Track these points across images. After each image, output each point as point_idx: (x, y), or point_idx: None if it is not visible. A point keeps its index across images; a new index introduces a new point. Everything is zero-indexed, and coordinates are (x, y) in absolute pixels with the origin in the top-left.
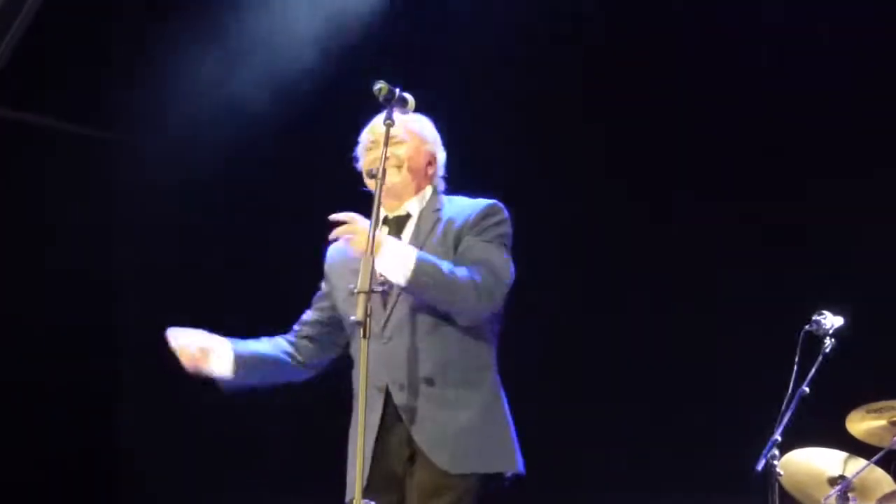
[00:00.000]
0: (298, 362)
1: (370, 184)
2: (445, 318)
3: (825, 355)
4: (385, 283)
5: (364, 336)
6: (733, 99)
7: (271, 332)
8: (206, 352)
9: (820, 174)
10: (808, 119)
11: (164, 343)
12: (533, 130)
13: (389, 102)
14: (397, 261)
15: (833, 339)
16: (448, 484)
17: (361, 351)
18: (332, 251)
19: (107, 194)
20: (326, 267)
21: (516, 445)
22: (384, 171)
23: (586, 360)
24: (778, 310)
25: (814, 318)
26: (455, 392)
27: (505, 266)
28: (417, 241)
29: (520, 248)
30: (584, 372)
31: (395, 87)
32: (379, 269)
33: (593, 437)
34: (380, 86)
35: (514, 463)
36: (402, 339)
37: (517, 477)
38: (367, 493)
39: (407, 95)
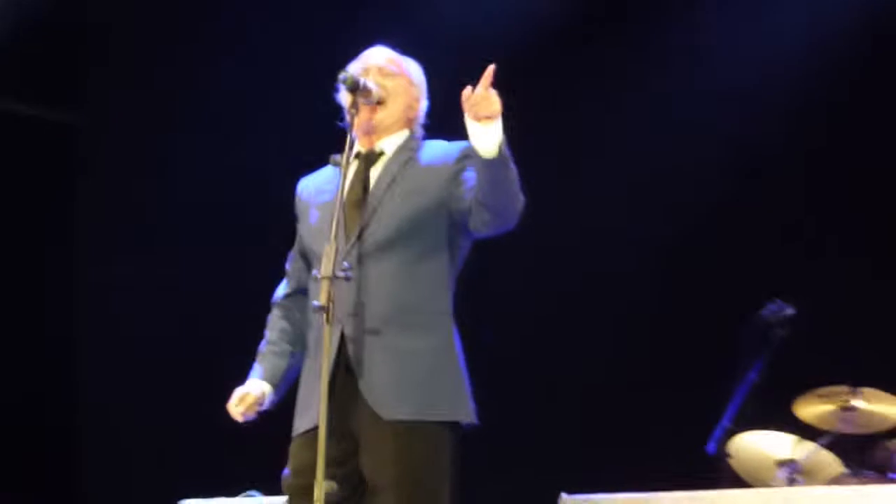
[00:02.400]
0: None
1: (345, 99)
2: (419, 253)
3: (775, 343)
4: (348, 268)
5: (327, 322)
6: None
7: None
8: (252, 403)
9: None
10: None
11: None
12: None
13: (354, 92)
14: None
15: (783, 328)
16: (396, 431)
17: (325, 338)
18: (306, 182)
19: None
20: (299, 203)
21: (470, 395)
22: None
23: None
24: (730, 299)
25: (766, 307)
26: (410, 336)
27: None
28: (392, 178)
29: None
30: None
31: (358, 78)
32: (483, 132)
33: (558, 416)
34: (345, 75)
35: (468, 413)
36: (374, 271)
37: (472, 428)
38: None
39: (371, 85)
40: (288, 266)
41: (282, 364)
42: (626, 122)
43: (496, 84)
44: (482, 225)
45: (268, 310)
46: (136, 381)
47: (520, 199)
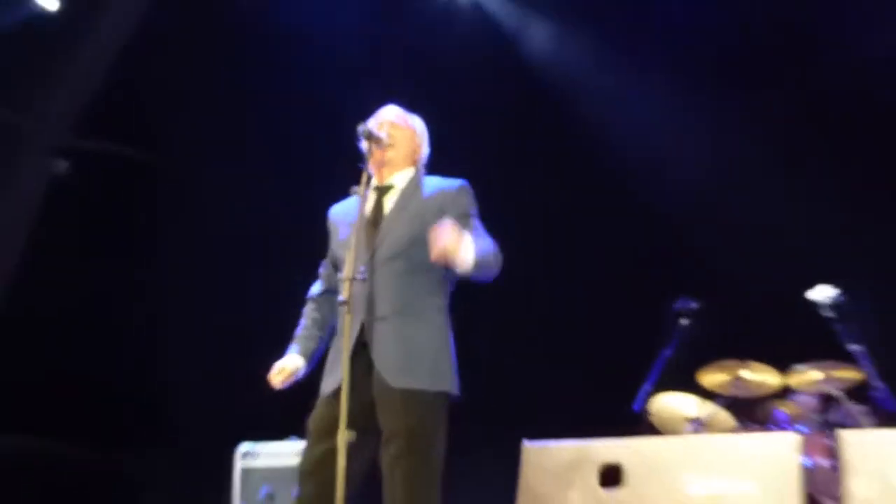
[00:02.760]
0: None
1: (364, 145)
2: (420, 265)
3: (685, 327)
4: (364, 272)
5: (348, 312)
6: None
7: None
8: (288, 374)
9: None
10: None
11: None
12: None
13: (370, 140)
14: (468, 254)
15: (691, 318)
16: (403, 395)
17: (345, 324)
18: (336, 211)
19: None
20: (329, 227)
21: (456, 373)
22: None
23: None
24: (653, 295)
25: (677, 301)
26: (409, 324)
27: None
28: (401, 206)
29: None
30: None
31: (372, 130)
32: (461, 255)
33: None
34: (363, 128)
35: (454, 387)
36: (384, 275)
37: (456, 399)
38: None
39: (382, 134)
40: (320, 270)
41: (312, 345)
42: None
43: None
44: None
45: (301, 305)
46: (208, 357)
47: (496, 266)
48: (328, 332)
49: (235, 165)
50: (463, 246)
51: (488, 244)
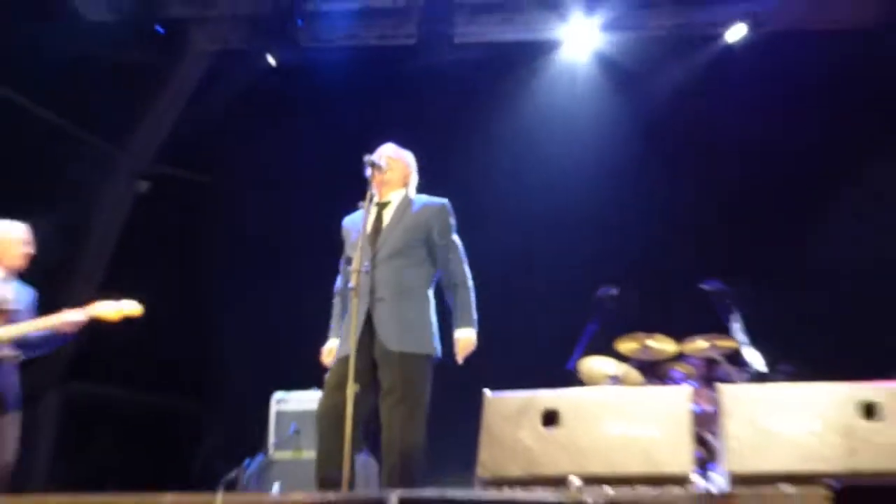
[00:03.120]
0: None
1: (368, 172)
2: (412, 261)
3: (607, 308)
4: (367, 267)
5: (355, 296)
6: None
7: None
8: (333, 354)
9: None
10: None
11: None
12: None
13: (372, 167)
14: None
15: (609, 301)
16: (398, 356)
17: (354, 306)
18: (347, 221)
19: None
20: (343, 233)
21: (438, 340)
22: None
23: None
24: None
25: (601, 289)
26: (402, 303)
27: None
28: (398, 220)
29: None
30: None
31: (374, 159)
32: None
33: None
34: (367, 158)
35: (437, 350)
36: (384, 271)
37: (437, 360)
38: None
39: (382, 162)
40: (341, 267)
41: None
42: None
43: None
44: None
45: (320, 292)
46: (252, 331)
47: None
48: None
49: (271, 186)
50: (471, 342)
51: (469, 295)
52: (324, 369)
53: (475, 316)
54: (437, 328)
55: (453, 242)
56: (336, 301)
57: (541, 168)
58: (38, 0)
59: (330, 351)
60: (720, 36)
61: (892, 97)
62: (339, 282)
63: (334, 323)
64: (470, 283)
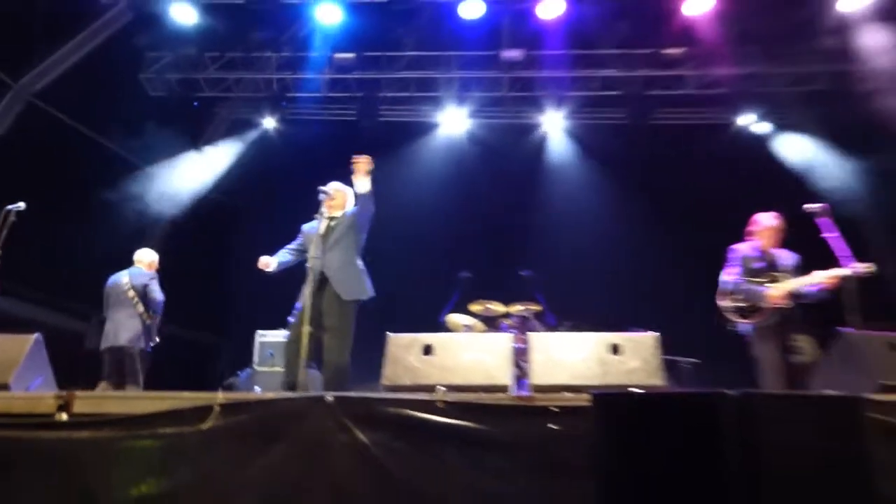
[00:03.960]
0: (291, 259)
1: (321, 198)
2: (347, 246)
3: (464, 285)
4: (320, 254)
5: (311, 272)
6: None
7: None
8: (266, 265)
9: None
10: None
11: None
12: None
13: (325, 194)
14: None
15: (466, 280)
16: (339, 302)
17: (310, 279)
18: (305, 227)
19: None
20: (302, 232)
21: (370, 288)
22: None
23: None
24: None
25: (462, 273)
26: (344, 271)
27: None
28: (340, 228)
29: None
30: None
31: (326, 189)
32: (363, 181)
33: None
34: (321, 189)
35: (367, 293)
36: (331, 255)
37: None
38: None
39: (331, 191)
40: (293, 244)
41: (282, 259)
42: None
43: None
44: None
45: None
46: (249, 300)
47: (372, 207)
48: (291, 263)
49: (278, 210)
50: (366, 175)
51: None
52: (288, 316)
53: (372, 196)
54: (367, 284)
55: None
56: (288, 247)
57: (423, 203)
58: None
59: (266, 263)
60: (540, 125)
61: None
62: (292, 244)
63: (281, 253)
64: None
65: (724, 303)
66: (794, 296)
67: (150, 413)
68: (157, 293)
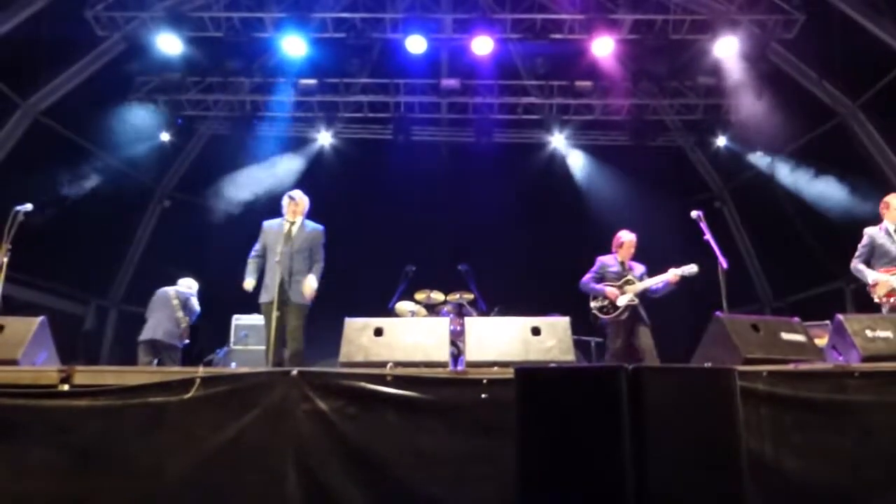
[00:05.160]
0: (260, 263)
1: (286, 202)
2: (307, 256)
3: (408, 277)
4: (285, 255)
5: (279, 272)
6: None
7: None
8: (250, 287)
9: None
10: None
11: None
12: None
13: (289, 200)
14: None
15: (411, 272)
16: (296, 305)
17: (276, 274)
18: (266, 224)
19: None
20: (263, 229)
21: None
22: (290, 210)
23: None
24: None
25: (407, 266)
26: (301, 277)
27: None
28: (298, 234)
29: None
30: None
31: (290, 195)
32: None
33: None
34: (286, 196)
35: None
36: (293, 260)
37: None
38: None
39: (294, 198)
40: (257, 246)
41: (256, 276)
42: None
43: None
44: None
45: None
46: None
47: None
48: (261, 267)
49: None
50: (313, 287)
51: (320, 269)
52: (258, 306)
53: (319, 277)
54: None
55: (321, 248)
56: (251, 262)
57: (377, 208)
58: None
59: (248, 284)
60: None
61: None
62: (253, 253)
63: (249, 274)
64: (322, 264)
65: (592, 304)
66: (641, 295)
67: (141, 384)
68: (196, 306)
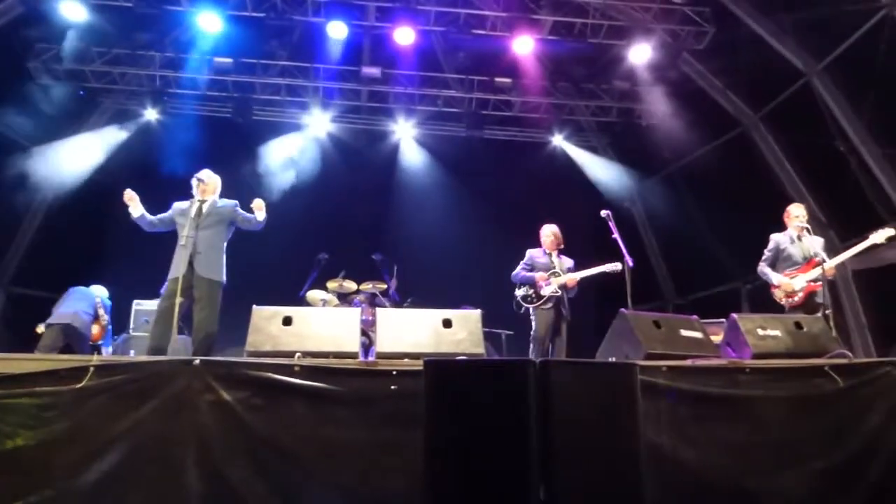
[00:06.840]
0: (156, 227)
1: (195, 183)
2: (219, 232)
3: (321, 265)
4: (193, 234)
5: (184, 248)
6: None
7: None
8: (130, 199)
9: None
10: None
11: None
12: None
13: (199, 182)
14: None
15: (324, 260)
16: (207, 281)
17: (182, 254)
18: (177, 204)
19: None
20: (173, 208)
21: (224, 271)
22: (200, 190)
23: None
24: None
25: (320, 254)
26: (210, 253)
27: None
28: (210, 210)
29: None
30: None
31: (199, 177)
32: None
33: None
34: (196, 177)
35: (223, 277)
36: (200, 236)
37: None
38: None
39: (203, 178)
40: (164, 215)
41: (150, 218)
42: None
43: None
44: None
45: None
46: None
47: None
48: (151, 226)
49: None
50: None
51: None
52: (160, 287)
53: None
54: (225, 267)
55: (241, 215)
56: (158, 216)
57: (289, 192)
58: None
59: (132, 198)
60: (393, 132)
61: None
62: (163, 215)
63: (152, 216)
64: (253, 216)
65: (517, 292)
66: (564, 287)
67: (28, 372)
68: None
